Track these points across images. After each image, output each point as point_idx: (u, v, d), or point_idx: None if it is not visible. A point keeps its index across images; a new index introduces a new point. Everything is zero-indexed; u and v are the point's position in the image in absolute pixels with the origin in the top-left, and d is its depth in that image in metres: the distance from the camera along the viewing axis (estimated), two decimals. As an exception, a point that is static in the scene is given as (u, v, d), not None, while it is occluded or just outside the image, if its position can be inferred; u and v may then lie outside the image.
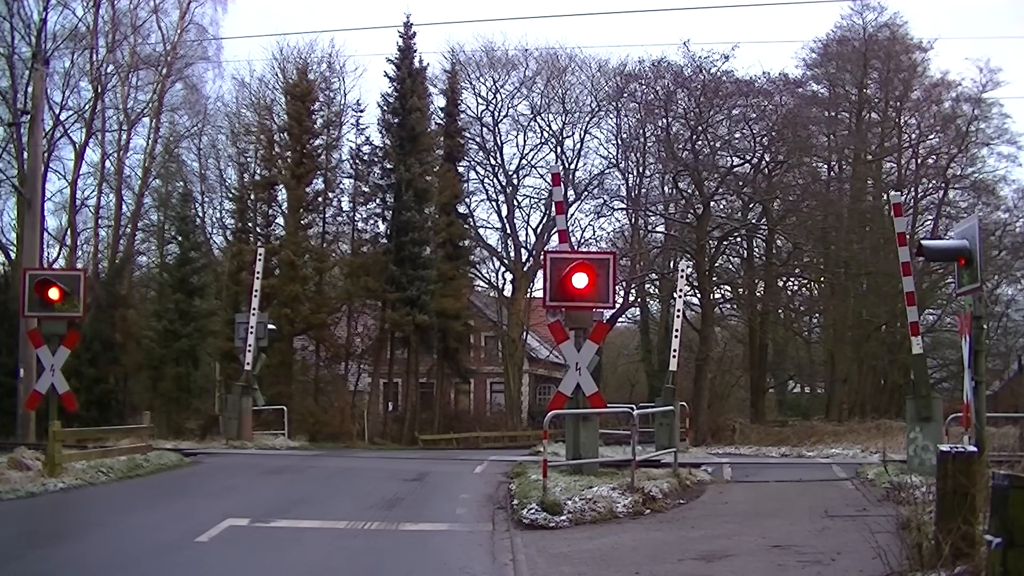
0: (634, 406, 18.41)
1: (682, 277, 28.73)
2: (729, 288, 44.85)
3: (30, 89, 31.11)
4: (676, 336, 26.58)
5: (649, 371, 44.81)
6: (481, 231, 48.02)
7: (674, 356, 25.62)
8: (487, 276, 50.14)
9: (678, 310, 27.79)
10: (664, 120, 41.48)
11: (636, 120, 43.81)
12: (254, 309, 27.11)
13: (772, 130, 39.94)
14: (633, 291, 44.28)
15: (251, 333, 26.73)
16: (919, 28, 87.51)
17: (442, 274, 39.13)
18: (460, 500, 14.11)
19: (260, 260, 28.11)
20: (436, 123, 43.09)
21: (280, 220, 39.49)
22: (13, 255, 37.03)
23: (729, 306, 46.04)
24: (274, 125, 39.40)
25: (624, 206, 44.76)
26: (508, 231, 47.41)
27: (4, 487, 14.31)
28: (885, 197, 44.49)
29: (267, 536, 11.16)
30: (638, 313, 47.88)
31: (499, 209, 47.56)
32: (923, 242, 12.63)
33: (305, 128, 37.99)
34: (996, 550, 6.11)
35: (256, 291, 27.37)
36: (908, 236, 41.52)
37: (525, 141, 47.39)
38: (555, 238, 45.86)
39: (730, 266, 44.54)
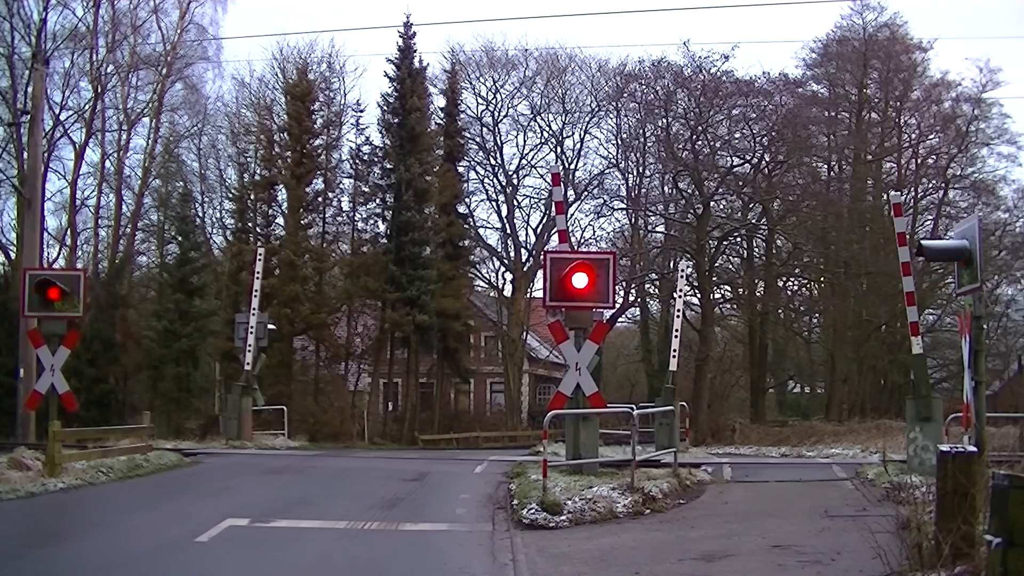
0: (634, 406, 18.42)
1: (682, 277, 28.74)
2: (729, 288, 44.87)
3: (30, 89, 31.05)
4: (676, 336, 26.60)
5: (649, 371, 44.82)
6: (481, 231, 48.10)
7: (674, 356, 25.64)
8: (487, 276, 50.24)
9: (678, 310, 27.80)
10: (664, 120, 41.51)
11: (636, 120, 43.86)
12: (254, 309, 27.09)
13: (772, 130, 39.96)
14: (633, 291, 44.29)
15: (251, 333, 26.72)
16: (919, 28, 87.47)
17: (442, 274, 39.12)
18: (460, 500, 14.11)
19: (260, 260, 28.10)
20: (436, 123, 43.09)
21: (280, 220, 39.54)
22: (13, 255, 37.01)
23: (729, 306, 46.08)
24: (274, 125, 39.42)
25: (624, 206, 44.83)
26: (508, 231, 47.47)
27: (4, 487, 14.30)
28: (885, 197, 44.48)
29: (267, 536, 11.16)
30: (638, 313, 47.92)
31: (499, 209, 47.63)
32: (923, 242, 12.61)
33: (305, 128, 38.00)
34: (996, 550, 6.10)
35: (256, 291, 27.35)
36: (908, 236, 41.75)
37: (525, 141, 47.47)
38: (555, 238, 46.02)
39: (730, 266, 44.55)
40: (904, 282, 17.25)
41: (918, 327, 17.72)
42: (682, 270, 29.66)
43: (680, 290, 28.32)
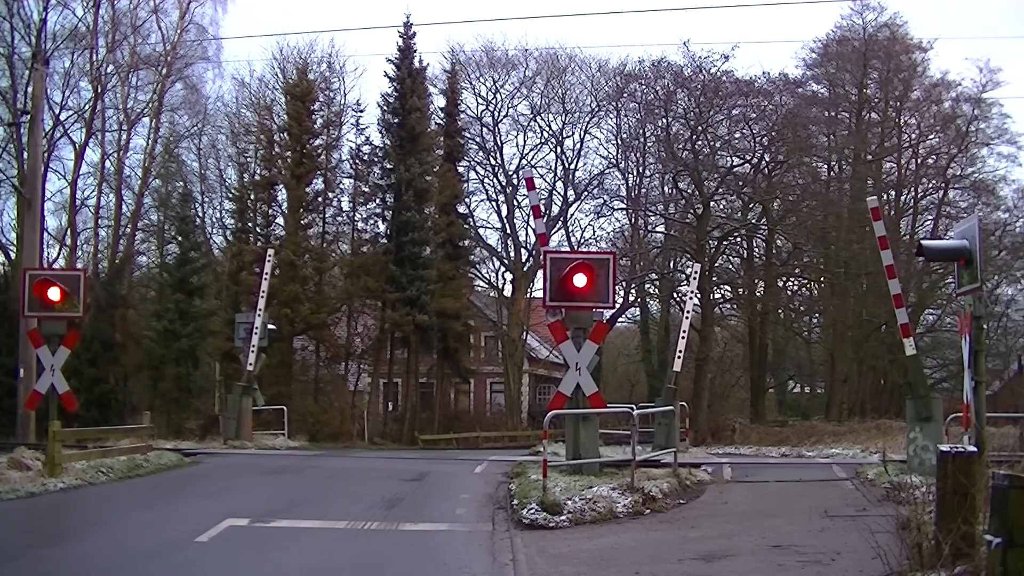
0: (634, 406, 18.41)
1: (693, 278, 28.64)
2: (729, 288, 44.87)
3: (30, 89, 31.05)
4: (683, 336, 26.45)
5: (649, 371, 44.81)
6: (481, 231, 48.12)
7: (679, 356, 25.49)
8: (487, 276, 50.25)
9: (687, 311, 27.68)
10: (664, 120, 41.53)
11: (636, 120, 43.88)
12: (259, 310, 27.13)
13: (772, 130, 39.97)
14: (633, 291, 44.30)
15: (255, 334, 26.72)
16: (919, 28, 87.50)
17: (442, 274, 39.12)
18: (460, 500, 14.11)
19: (270, 261, 28.21)
20: (436, 123, 43.09)
21: (280, 220, 39.55)
22: (13, 255, 37.01)
23: (729, 306, 46.06)
24: (274, 125, 39.43)
25: (624, 206, 44.85)
26: (508, 231, 47.48)
27: (4, 487, 14.30)
28: (885, 197, 44.49)
29: (267, 536, 11.16)
30: (638, 313, 47.91)
31: (499, 209, 47.63)
32: (923, 242, 12.62)
33: (305, 128, 38.00)
34: (996, 550, 6.10)
35: (264, 292, 27.44)
36: (909, 236, 41.73)
37: (525, 141, 47.52)
38: (555, 238, 46.12)
39: (730, 266, 44.56)
40: (890, 285, 17.34)
41: (909, 328, 17.73)
42: (693, 272, 29.50)
43: (691, 291, 28.26)
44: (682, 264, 43.18)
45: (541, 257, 18.79)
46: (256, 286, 29.03)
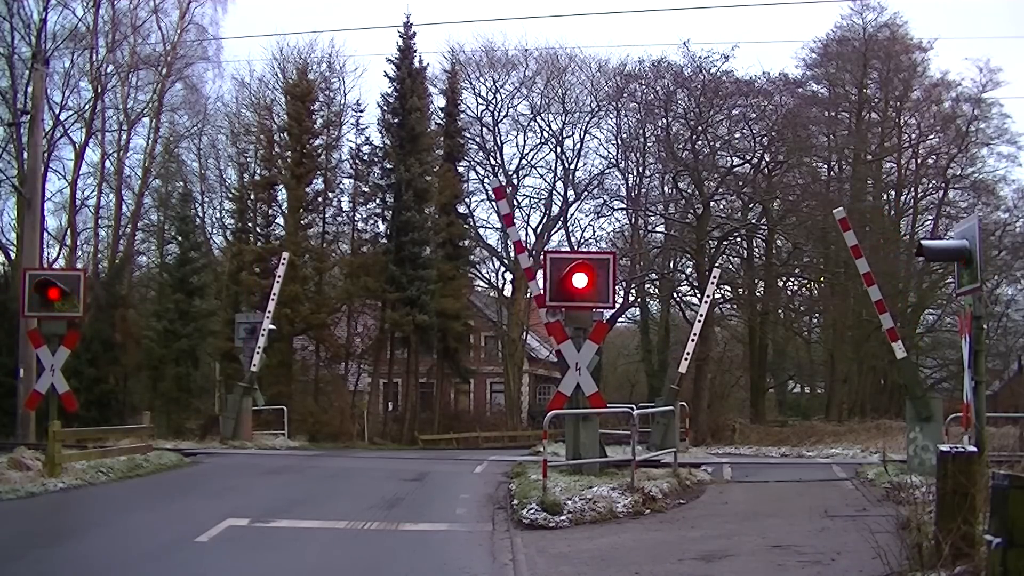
0: (634, 406, 18.41)
1: (712, 283, 28.48)
2: (729, 288, 44.84)
3: (30, 89, 31.06)
4: (693, 339, 26.38)
5: (649, 371, 44.78)
6: (481, 231, 48.13)
7: (686, 358, 25.42)
8: (487, 276, 50.28)
9: (700, 315, 27.62)
10: (664, 120, 41.52)
11: (636, 120, 43.86)
12: (269, 312, 27.21)
13: (772, 130, 39.95)
14: (633, 291, 44.29)
15: (263, 335, 26.76)
16: (919, 28, 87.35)
17: (442, 274, 39.13)
18: (460, 500, 14.11)
19: (283, 264, 28.20)
20: (436, 123, 43.11)
21: (280, 220, 39.56)
22: (13, 255, 37.01)
23: (729, 306, 46.05)
24: (274, 125, 39.44)
25: (624, 206, 44.84)
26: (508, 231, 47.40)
27: (4, 487, 14.30)
28: (885, 197, 44.49)
29: (267, 536, 11.16)
30: (638, 313, 47.92)
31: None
32: (923, 242, 12.60)
33: (305, 128, 38.01)
34: (996, 550, 6.10)
35: (275, 295, 27.46)
36: (910, 236, 41.71)
37: (525, 141, 47.54)
38: (555, 238, 46.12)
39: (730, 266, 44.50)
40: (870, 291, 17.46)
41: (896, 332, 17.84)
42: (713, 276, 29.28)
43: (707, 295, 28.21)
44: (682, 264, 43.20)
45: (542, 257, 18.63)
46: (264, 287, 29.02)
